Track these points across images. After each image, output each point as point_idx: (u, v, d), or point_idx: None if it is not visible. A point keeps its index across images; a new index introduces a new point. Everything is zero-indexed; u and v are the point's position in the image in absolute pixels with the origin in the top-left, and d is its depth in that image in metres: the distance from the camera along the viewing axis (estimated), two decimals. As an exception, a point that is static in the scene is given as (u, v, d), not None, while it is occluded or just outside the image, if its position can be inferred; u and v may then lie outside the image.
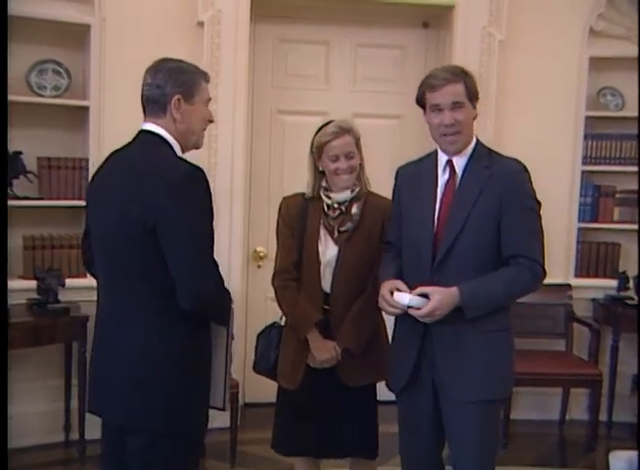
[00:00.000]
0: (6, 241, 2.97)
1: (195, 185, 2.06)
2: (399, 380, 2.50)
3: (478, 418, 2.35)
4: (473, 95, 2.36)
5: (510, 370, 2.45)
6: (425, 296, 2.29)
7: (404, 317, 2.40)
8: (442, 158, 2.43)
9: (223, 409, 2.28)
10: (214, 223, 2.13)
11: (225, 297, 2.19)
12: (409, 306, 2.31)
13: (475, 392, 2.34)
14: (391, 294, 2.35)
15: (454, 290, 2.27)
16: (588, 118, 4.38)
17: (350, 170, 2.69)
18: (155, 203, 2.03)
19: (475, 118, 2.43)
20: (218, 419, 2.36)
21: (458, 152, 2.40)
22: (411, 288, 2.34)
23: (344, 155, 2.68)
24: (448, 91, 2.33)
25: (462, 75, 2.35)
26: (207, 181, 2.12)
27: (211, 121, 2.30)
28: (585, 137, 4.39)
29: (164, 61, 2.20)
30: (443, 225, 2.36)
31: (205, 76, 2.24)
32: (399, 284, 2.38)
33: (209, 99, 2.27)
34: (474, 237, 2.32)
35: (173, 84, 2.15)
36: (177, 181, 2.03)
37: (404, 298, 2.31)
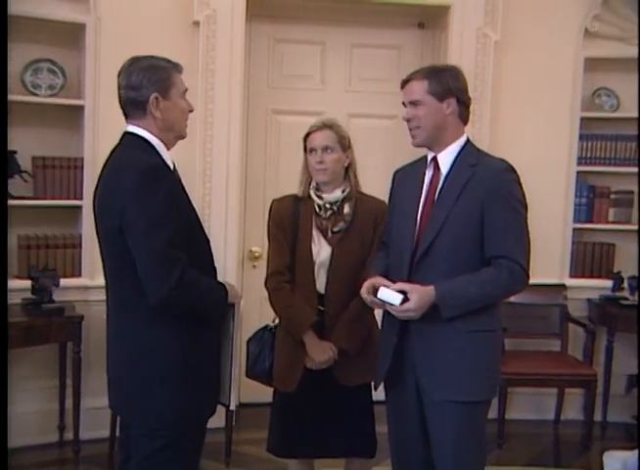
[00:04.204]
0: (6, 241, 2.97)
1: (151, 183, 2.07)
2: (378, 376, 2.52)
3: (457, 419, 2.32)
4: (443, 92, 2.34)
5: (494, 372, 2.42)
6: (403, 292, 2.27)
7: (387, 314, 2.42)
8: (429, 155, 2.44)
9: (228, 407, 2.32)
10: (208, 226, 2.15)
11: (195, 293, 2.15)
12: (392, 304, 2.29)
13: (452, 391, 2.31)
14: (375, 289, 2.35)
15: (430, 289, 2.26)
16: (583, 119, 4.39)
17: (326, 166, 2.69)
18: (118, 204, 2.09)
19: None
20: (213, 419, 2.32)
21: (421, 146, 2.42)
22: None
23: (322, 148, 2.69)
24: (407, 89, 2.39)
25: (430, 73, 2.36)
26: (166, 176, 2.14)
27: (191, 111, 2.30)
28: (580, 138, 4.40)
29: (135, 60, 2.21)
30: (425, 224, 2.36)
31: (177, 68, 2.24)
32: (380, 280, 2.37)
33: (186, 90, 2.27)
34: (453, 236, 2.30)
35: (148, 83, 2.16)
36: (134, 181, 2.07)
37: (388, 295, 2.29)
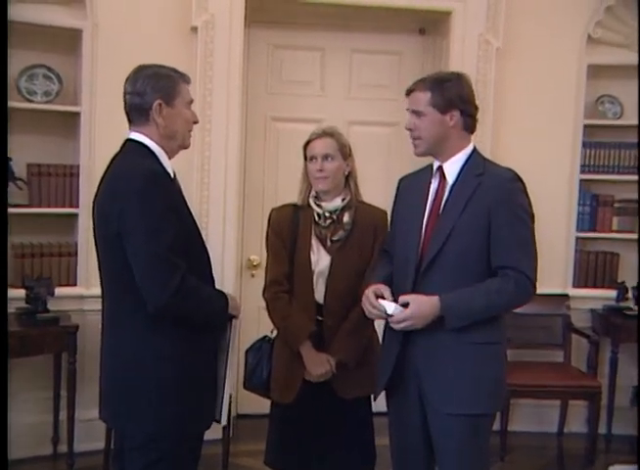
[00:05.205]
0: (6, 250, 2.98)
1: (151, 187, 2.08)
2: (378, 386, 2.50)
3: (462, 432, 2.30)
4: (446, 105, 2.32)
5: (499, 384, 2.40)
6: (406, 305, 2.26)
7: (389, 323, 2.39)
8: (435, 164, 2.42)
9: (218, 421, 2.30)
10: (206, 235, 2.14)
11: (195, 300, 2.15)
12: (387, 314, 2.30)
13: (458, 404, 2.29)
14: (377, 298, 2.35)
15: (435, 299, 2.25)
16: (586, 127, 4.36)
17: (326, 174, 2.68)
18: (117, 208, 2.09)
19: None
20: (210, 431, 2.33)
21: (423, 155, 2.41)
22: (395, 297, 2.32)
23: (322, 156, 2.68)
24: (411, 99, 2.38)
25: (434, 84, 2.34)
26: (167, 183, 2.16)
27: (196, 122, 2.32)
28: (583, 145, 4.37)
29: (142, 68, 2.24)
30: (430, 235, 2.34)
31: (184, 78, 2.26)
32: (384, 289, 2.37)
33: (191, 100, 2.29)
34: (459, 248, 2.29)
35: (152, 90, 2.18)
36: (134, 185, 2.07)
37: (384, 305, 2.29)
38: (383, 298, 2.34)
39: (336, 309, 2.68)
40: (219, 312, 2.26)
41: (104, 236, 2.17)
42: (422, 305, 2.25)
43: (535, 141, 4.30)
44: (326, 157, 2.68)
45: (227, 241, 4.04)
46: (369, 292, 2.38)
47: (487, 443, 2.40)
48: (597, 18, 4.27)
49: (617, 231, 4.46)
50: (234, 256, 4.11)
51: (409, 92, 2.40)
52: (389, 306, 2.29)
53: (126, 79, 2.23)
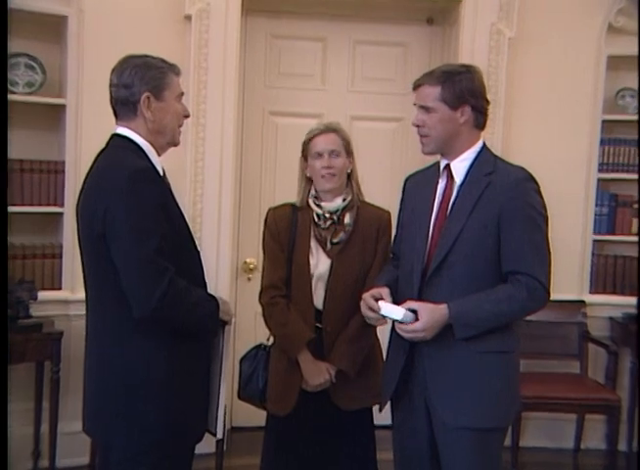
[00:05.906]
0: (6, 251, 2.93)
1: (139, 185, 2.03)
2: (384, 396, 2.46)
3: (470, 446, 2.25)
4: (457, 100, 2.26)
5: (510, 396, 2.34)
6: (414, 311, 2.22)
7: (395, 331, 2.37)
8: (442, 162, 2.38)
9: (214, 434, 2.28)
10: (200, 236, 2.06)
11: (184, 305, 2.10)
12: (396, 320, 2.25)
13: (466, 417, 2.24)
14: (375, 300, 2.31)
15: (443, 307, 2.21)
16: (605, 122, 4.25)
17: (334, 171, 2.64)
18: (102, 208, 2.04)
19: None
20: (202, 444, 2.31)
21: (431, 154, 2.37)
22: (400, 302, 2.27)
23: (329, 152, 2.65)
24: (419, 93, 2.34)
25: (444, 78, 2.28)
26: (156, 180, 2.11)
27: (187, 116, 2.27)
28: (602, 142, 4.26)
29: (129, 58, 2.19)
30: (437, 238, 2.30)
31: (174, 69, 2.22)
32: (383, 291, 2.33)
33: (182, 93, 2.25)
34: (467, 251, 2.25)
35: (140, 82, 2.14)
36: (120, 183, 2.02)
37: (391, 309, 2.24)
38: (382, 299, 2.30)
39: (336, 316, 2.63)
40: (210, 317, 2.20)
41: (88, 236, 2.12)
42: (432, 315, 2.20)
43: (550, 137, 4.21)
44: (332, 153, 2.65)
45: (222, 242, 3.98)
46: (366, 295, 2.34)
47: (498, 458, 2.34)
48: (619, 4, 4.14)
49: (638, 234, 4.31)
50: (229, 258, 4.05)
51: (417, 86, 2.33)
52: (391, 309, 2.23)
53: (112, 70, 2.18)
